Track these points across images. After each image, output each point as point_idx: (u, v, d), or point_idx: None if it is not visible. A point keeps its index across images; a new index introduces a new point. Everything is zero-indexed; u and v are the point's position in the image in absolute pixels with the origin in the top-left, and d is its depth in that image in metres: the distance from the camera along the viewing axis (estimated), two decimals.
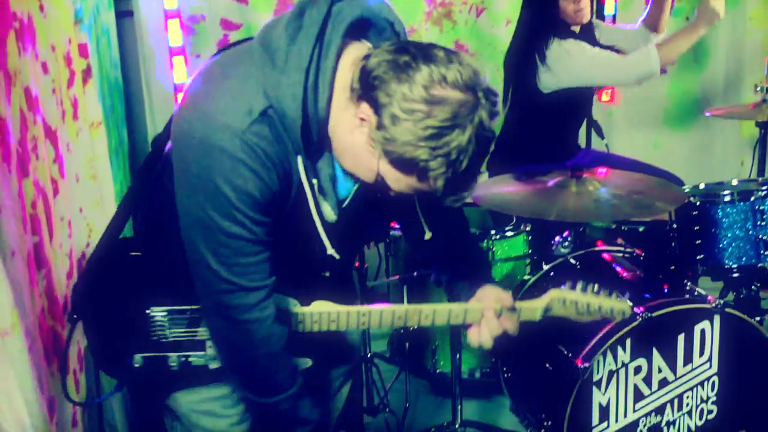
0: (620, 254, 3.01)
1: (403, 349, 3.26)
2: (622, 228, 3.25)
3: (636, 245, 3.05)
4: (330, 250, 1.68)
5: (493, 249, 3.13)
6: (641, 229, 3.24)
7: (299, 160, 1.56)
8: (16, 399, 1.89)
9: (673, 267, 2.87)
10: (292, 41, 1.49)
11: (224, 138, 1.47)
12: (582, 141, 4.30)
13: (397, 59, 1.43)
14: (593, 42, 3.45)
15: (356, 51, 1.53)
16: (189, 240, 1.61)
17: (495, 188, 2.84)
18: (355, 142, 1.51)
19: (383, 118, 1.42)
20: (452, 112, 1.40)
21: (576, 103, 3.49)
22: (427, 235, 1.81)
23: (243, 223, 1.53)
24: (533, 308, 1.92)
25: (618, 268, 2.97)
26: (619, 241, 3.08)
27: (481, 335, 1.85)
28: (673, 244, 3.00)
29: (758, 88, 3.49)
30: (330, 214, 1.66)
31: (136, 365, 1.85)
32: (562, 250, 2.90)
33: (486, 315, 1.84)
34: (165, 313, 1.82)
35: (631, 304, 1.99)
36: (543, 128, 3.47)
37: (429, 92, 1.39)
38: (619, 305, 1.95)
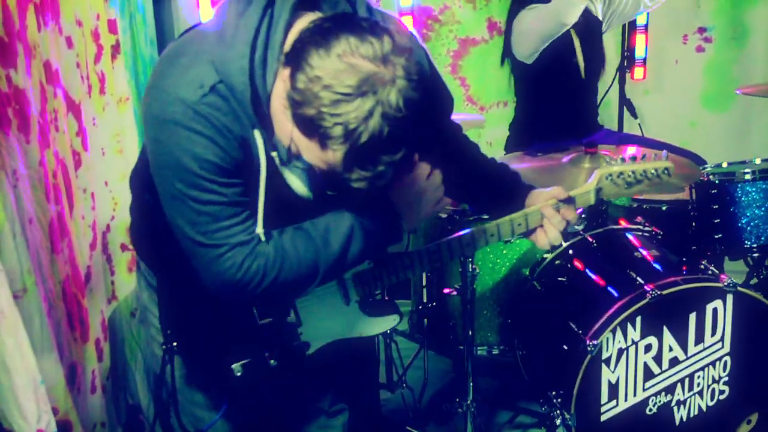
0: (639, 233, 3.02)
1: (422, 326, 3.31)
2: (644, 207, 3.26)
3: (657, 224, 3.06)
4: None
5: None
6: (664, 207, 3.25)
7: (256, 133, 1.61)
8: (28, 358, 1.99)
9: (693, 247, 2.88)
10: (240, 15, 1.56)
11: (177, 111, 1.54)
12: (614, 121, 4.31)
13: (321, 26, 1.48)
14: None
15: (305, 22, 1.57)
16: (170, 218, 1.68)
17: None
18: (277, 108, 1.55)
19: (296, 81, 1.45)
20: (358, 81, 1.42)
21: (560, 72, 3.48)
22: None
23: (211, 189, 1.59)
24: (586, 191, 1.99)
25: (636, 246, 2.98)
26: (639, 219, 3.09)
27: (549, 233, 1.97)
28: (693, 223, 3.02)
29: None
30: (300, 187, 1.68)
31: (237, 374, 1.90)
32: (576, 227, 2.91)
33: (546, 213, 1.94)
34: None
35: (666, 157, 2.01)
36: (543, 104, 3.50)
37: (341, 60, 1.42)
38: (660, 164, 1.98)
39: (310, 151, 1.52)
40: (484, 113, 4.31)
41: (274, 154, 1.65)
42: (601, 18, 3.60)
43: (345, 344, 2.01)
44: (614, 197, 2.05)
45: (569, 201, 1.95)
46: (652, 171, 1.97)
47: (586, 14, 3.43)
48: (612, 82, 4.12)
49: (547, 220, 1.95)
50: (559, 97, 3.50)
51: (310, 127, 1.46)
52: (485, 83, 3.65)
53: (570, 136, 3.36)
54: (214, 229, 1.64)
